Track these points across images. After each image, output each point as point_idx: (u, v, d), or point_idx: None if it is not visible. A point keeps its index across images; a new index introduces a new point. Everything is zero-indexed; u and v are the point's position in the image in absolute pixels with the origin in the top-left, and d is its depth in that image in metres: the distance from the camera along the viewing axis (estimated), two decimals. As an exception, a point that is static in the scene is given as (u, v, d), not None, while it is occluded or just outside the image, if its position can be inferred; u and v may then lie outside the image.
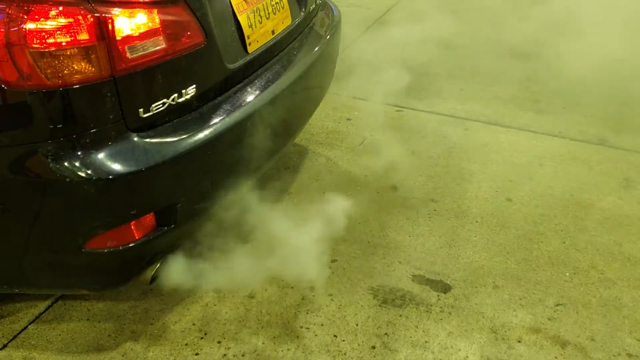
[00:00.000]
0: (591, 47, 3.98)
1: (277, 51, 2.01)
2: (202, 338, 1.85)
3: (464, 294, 2.01)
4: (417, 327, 1.89)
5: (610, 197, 2.50)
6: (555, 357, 1.79)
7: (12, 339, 1.84)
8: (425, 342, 1.84)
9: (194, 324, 1.90)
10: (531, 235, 2.29)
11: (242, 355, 1.80)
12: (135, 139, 1.47)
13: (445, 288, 2.04)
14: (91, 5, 1.36)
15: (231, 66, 1.73)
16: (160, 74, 1.49)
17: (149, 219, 1.55)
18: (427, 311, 1.95)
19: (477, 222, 2.35)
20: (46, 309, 1.95)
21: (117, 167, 1.43)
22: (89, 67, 1.36)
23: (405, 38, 4.17)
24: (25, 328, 1.88)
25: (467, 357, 1.79)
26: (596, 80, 3.53)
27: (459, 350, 1.81)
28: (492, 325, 1.90)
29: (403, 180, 2.61)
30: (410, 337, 1.85)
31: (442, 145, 2.87)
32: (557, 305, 1.97)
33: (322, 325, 1.90)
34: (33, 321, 1.91)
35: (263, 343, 1.84)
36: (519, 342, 1.84)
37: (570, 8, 4.50)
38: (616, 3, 4.80)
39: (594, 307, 1.96)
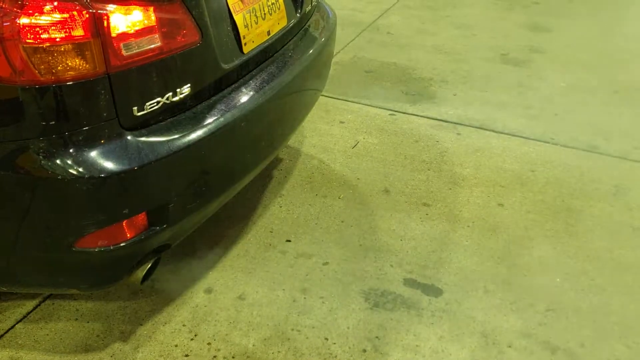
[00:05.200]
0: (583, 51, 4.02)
1: (273, 52, 2.01)
2: (192, 339, 1.84)
3: (455, 298, 2.02)
4: (408, 330, 1.89)
5: (600, 204, 2.51)
6: (546, 363, 1.80)
7: (-1, 338, 1.82)
8: (416, 345, 1.84)
9: (184, 325, 1.89)
10: (522, 241, 2.29)
11: (232, 357, 1.78)
12: (129, 137, 1.46)
13: (436, 292, 2.04)
14: (86, 1, 1.34)
15: (226, 66, 1.73)
16: (155, 72, 1.48)
17: (141, 218, 1.54)
18: (418, 315, 1.95)
19: (468, 226, 2.36)
20: (34, 308, 1.93)
21: (109, 165, 1.42)
22: (83, 63, 1.35)
23: (398, 42, 4.18)
24: (12, 327, 1.86)
25: (458, 361, 1.79)
26: (587, 87, 3.56)
27: (450, 354, 1.81)
28: (483, 329, 1.90)
29: (395, 183, 2.61)
30: (401, 340, 1.85)
31: (435, 150, 2.88)
32: (547, 310, 1.98)
33: (313, 327, 1.89)
34: (20, 320, 1.88)
35: (254, 345, 1.83)
36: (510, 346, 1.84)
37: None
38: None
39: (584, 313, 1.97)
